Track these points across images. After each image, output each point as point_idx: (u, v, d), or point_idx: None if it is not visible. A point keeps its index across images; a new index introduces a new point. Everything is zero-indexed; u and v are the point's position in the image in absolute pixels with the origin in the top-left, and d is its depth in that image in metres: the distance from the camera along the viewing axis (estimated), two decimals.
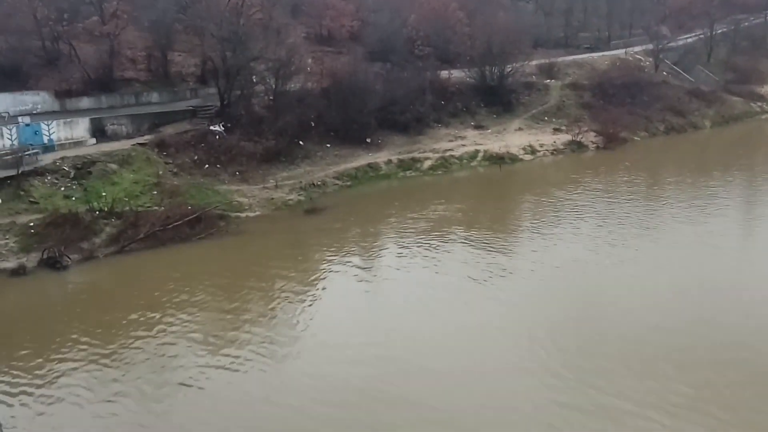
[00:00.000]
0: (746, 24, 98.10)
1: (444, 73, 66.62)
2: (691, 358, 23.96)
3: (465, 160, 56.74)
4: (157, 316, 28.80)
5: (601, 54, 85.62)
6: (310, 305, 30.16)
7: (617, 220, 41.44)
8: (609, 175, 54.21)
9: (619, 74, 76.43)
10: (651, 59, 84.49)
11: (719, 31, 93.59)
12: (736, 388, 21.96)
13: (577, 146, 62.94)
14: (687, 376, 22.65)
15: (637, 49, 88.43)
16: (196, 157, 47.39)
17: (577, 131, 64.75)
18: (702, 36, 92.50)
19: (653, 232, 39.25)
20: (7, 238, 35.67)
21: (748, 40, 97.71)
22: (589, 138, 64.21)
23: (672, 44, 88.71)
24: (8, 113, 47.51)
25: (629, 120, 69.14)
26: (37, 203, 38.54)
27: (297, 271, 34.47)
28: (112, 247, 36.75)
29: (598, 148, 63.29)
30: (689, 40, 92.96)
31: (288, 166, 49.70)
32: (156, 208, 40.45)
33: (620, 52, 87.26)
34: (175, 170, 45.45)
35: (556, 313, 28.15)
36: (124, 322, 28.29)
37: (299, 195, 46.54)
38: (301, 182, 47.93)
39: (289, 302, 30.52)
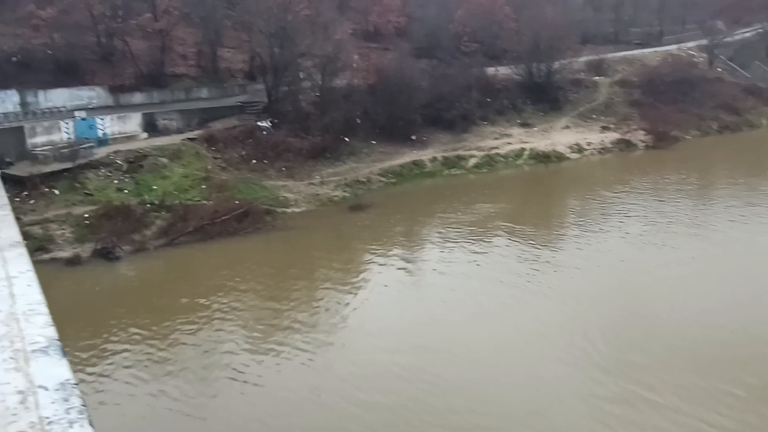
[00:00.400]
0: None
1: (490, 70, 65.93)
2: (743, 357, 23.35)
3: (510, 159, 56.14)
4: (206, 306, 29.56)
5: (652, 50, 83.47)
6: (355, 297, 30.58)
7: (666, 221, 40.52)
8: (658, 175, 52.89)
9: (670, 70, 74.30)
10: (705, 55, 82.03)
11: None
12: None
13: (625, 145, 61.59)
14: (742, 375, 22.07)
15: (690, 44, 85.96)
16: (243, 153, 48.12)
17: (625, 129, 63.37)
18: (760, 30, 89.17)
19: (704, 233, 38.30)
20: (63, 229, 36.94)
21: None
22: (638, 136, 62.75)
23: (727, 39, 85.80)
24: (65, 107, 49.07)
25: (680, 118, 67.23)
26: (91, 195, 39.78)
27: (341, 265, 34.93)
28: (162, 240, 37.68)
29: (647, 147, 61.81)
30: (746, 34, 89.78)
31: (333, 163, 50.03)
32: (204, 202, 41.26)
33: (672, 47, 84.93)
34: (223, 165, 46.25)
35: (604, 313, 27.89)
36: (174, 311, 29.10)
37: (344, 191, 46.84)
38: (346, 179, 48.22)
39: (334, 294, 31.03)
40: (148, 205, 39.84)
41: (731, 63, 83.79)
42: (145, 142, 46.16)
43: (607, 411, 20.98)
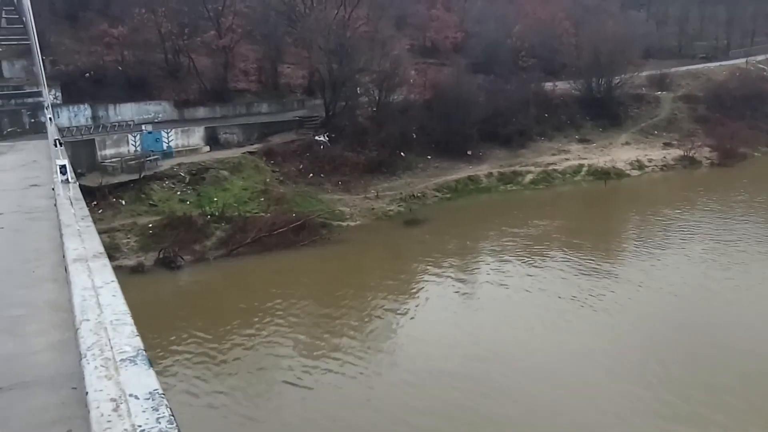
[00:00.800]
0: None
1: (548, 85, 65.32)
2: None
3: (568, 175, 55.31)
4: (264, 316, 30.13)
5: (718, 64, 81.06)
6: (409, 313, 30.56)
7: (733, 242, 38.97)
8: (724, 193, 51.08)
9: (738, 85, 71.97)
10: None
11: None
12: None
13: (689, 162, 59.82)
14: None
15: (760, 58, 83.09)
16: (301, 166, 49.04)
17: (689, 146, 61.52)
18: None
19: None
20: (128, 238, 38.40)
21: None
22: (703, 153, 60.86)
23: None
24: (133, 121, 51.20)
25: (749, 134, 64.86)
26: (155, 206, 41.26)
27: (396, 280, 34.99)
28: (222, 250, 38.67)
29: (712, 164, 59.88)
30: None
31: (389, 177, 50.41)
32: (263, 214, 42.18)
33: (740, 61, 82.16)
34: (281, 178, 47.23)
35: (666, 332, 27.03)
36: (233, 318, 29.80)
37: (399, 206, 47.08)
38: (401, 193, 48.48)
39: (388, 304, 31.22)
40: (208, 217, 41.01)
41: None
42: (207, 155, 47.61)
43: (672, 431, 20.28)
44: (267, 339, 28.01)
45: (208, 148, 49.35)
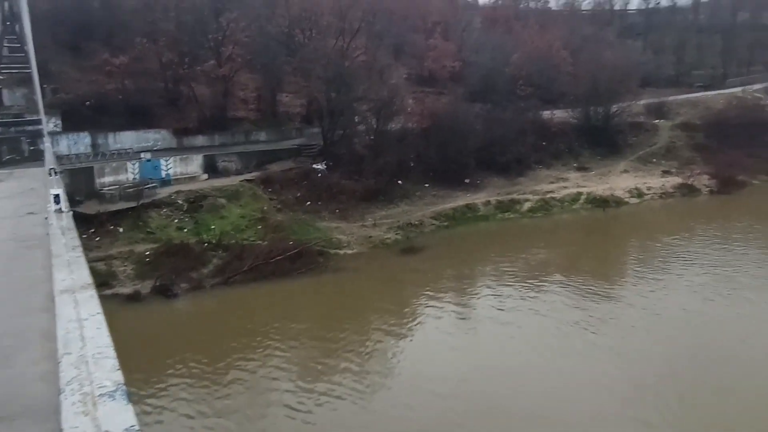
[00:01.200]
0: None
1: (546, 113, 65.71)
2: None
3: (566, 203, 55.28)
4: (262, 342, 30.04)
5: (716, 92, 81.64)
6: (405, 341, 30.45)
7: (732, 270, 38.75)
8: (724, 221, 51.02)
9: (736, 113, 72.37)
10: None
11: None
12: None
13: (688, 190, 59.87)
14: None
15: (756, 86, 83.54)
16: (298, 194, 49.05)
17: (688, 174, 61.74)
18: None
19: None
20: (125, 265, 38.23)
21: None
22: (702, 181, 60.94)
23: None
24: (132, 149, 51.38)
25: (747, 162, 65.01)
26: (153, 233, 41.15)
27: (394, 307, 34.84)
28: (218, 278, 38.45)
29: (711, 192, 59.92)
30: None
31: (386, 205, 50.39)
32: (260, 242, 42.07)
33: (737, 90, 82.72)
34: (278, 206, 47.21)
35: (665, 366, 26.67)
36: (229, 347, 29.56)
37: (396, 234, 46.97)
38: (398, 221, 48.41)
39: (385, 337, 30.93)
40: (206, 244, 40.89)
41: None
42: (205, 183, 47.67)
43: None
44: (265, 364, 27.91)
45: (206, 176, 49.42)
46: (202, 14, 58.55)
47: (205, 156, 50.87)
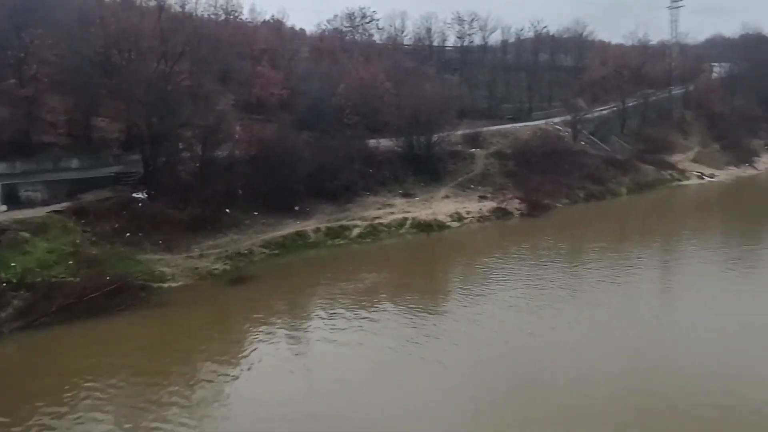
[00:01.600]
0: (654, 98, 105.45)
1: (372, 142, 67.85)
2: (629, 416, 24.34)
3: (393, 228, 57.13)
4: (76, 391, 27.41)
5: (523, 124, 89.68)
6: (241, 376, 29.34)
7: (541, 285, 42.29)
8: (534, 241, 55.72)
9: (540, 143, 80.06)
10: (569, 130, 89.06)
11: (630, 104, 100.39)
12: None
13: (502, 213, 64.68)
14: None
15: (556, 120, 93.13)
16: (117, 225, 45.69)
17: (501, 198, 66.81)
18: (615, 108, 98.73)
19: (578, 296, 40.34)
20: None
21: (656, 112, 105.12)
22: (514, 205, 66.23)
23: (588, 116, 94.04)
24: None
25: (551, 188, 71.87)
26: None
27: (223, 339, 33.77)
28: (20, 322, 34.44)
29: (522, 214, 65.22)
30: (604, 111, 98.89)
31: (214, 235, 48.57)
32: (72, 278, 38.42)
33: (541, 122, 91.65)
34: (93, 239, 43.58)
35: (493, 376, 28.60)
36: (38, 400, 26.45)
37: (225, 264, 45.40)
38: (227, 251, 46.84)
39: (219, 373, 29.54)
40: (4, 284, 36.44)
41: (593, 137, 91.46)
42: (3, 216, 42.75)
43: None
44: (81, 416, 25.35)
45: (5, 208, 44.37)
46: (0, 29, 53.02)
47: (3, 185, 45.69)
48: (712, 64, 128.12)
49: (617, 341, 32.41)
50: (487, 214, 63.77)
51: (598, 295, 40.34)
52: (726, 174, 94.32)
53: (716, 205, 79.85)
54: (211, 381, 28.65)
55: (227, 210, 51.28)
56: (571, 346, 31.84)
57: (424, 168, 68.33)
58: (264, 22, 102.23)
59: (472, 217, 62.50)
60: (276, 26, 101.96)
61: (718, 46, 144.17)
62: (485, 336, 33.47)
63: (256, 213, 52.95)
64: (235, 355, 31.67)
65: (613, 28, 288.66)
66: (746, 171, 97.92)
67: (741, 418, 24.54)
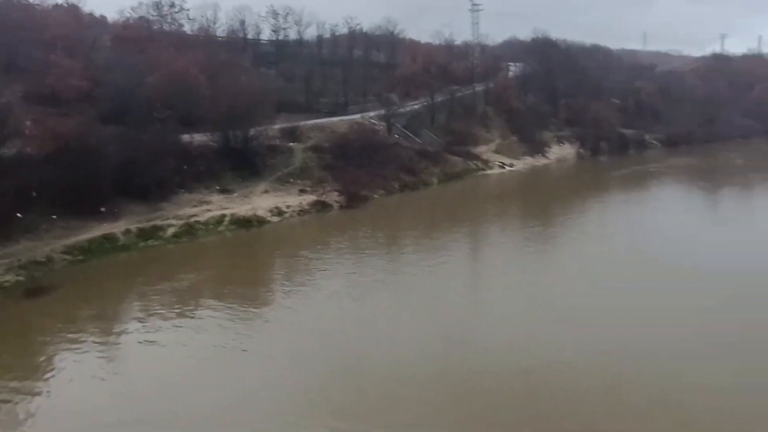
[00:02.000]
0: (459, 94, 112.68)
1: (186, 137, 64.87)
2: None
3: (211, 225, 55.21)
4: None
5: (339, 118, 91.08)
6: (44, 393, 26.87)
7: (359, 275, 43.61)
8: (353, 232, 57.19)
9: (356, 137, 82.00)
10: (384, 123, 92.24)
11: (439, 100, 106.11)
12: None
13: (322, 206, 65.37)
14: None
15: (371, 114, 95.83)
16: None
17: (321, 192, 67.50)
18: (425, 103, 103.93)
19: (395, 282, 42.23)
20: None
21: (462, 107, 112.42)
22: (333, 198, 67.25)
23: (401, 110, 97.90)
24: None
25: (368, 179, 73.99)
26: None
27: (18, 358, 30.44)
28: None
29: (341, 207, 66.46)
30: (415, 106, 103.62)
31: (3, 243, 43.38)
32: None
33: (357, 116, 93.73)
34: None
35: (313, 364, 29.01)
36: None
37: (17, 275, 40.81)
38: (19, 260, 42.13)
39: (18, 393, 26.71)
40: None
41: (405, 130, 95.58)
42: None
43: None
44: None
45: None
46: None
47: None
48: (509, 63, 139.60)
49: (433, 325, 34.32)
50: (307, 207, 64.07)
51: (414, 281, 42.41)
52: (523, 163, 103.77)
53: (515, 192, 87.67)
54: (9, 401, 25.95)
55: (19, 214, 46.01)
56: (390, 331, 33.20)
57: (242, 163, 66.83)
58: (56, 6, 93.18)
59: (293, 211, 62.43)
60: (71, 11, 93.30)
61: (514, 48, 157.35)
62: (309, 326, 33.99)
63: (54, 216, 48.14)
64: (36, 370, 29.00)
65: (422, 28, 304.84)
66: (539, 160, 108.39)
67: (541, 383, 27.19)
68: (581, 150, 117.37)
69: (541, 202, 75.34)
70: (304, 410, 25.24)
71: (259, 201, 61.98)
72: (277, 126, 75.80)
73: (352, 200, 67.58)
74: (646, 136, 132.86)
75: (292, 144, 76.15)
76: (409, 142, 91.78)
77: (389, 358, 29.73)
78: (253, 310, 36.56)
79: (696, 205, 74.71)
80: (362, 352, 30.68)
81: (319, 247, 51.21)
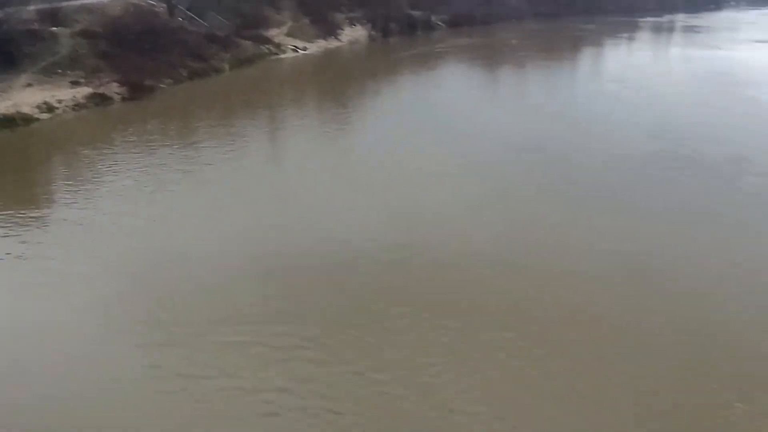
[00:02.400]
0: None
1: None
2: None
3: None
4: None
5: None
6: None
7: (152, 169, 40.69)
8: (139, 126, 52.51)
9: (134, 20, 73.98)
10: (164, 5, 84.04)
11: None
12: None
13: (100, 99, 58.90)
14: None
15: None
16: None
17: (98, 83, 60.57)
18: None
19: (190, 175, 39.96)
20: None
21: None
22: (113, 89, 60.82)
23: None
24: None
25: (152, 68, 67.80)
26: None
27: None
28: None
29: (124, 99, 60.50)
30: None
31: None
32: None
33: None
34: None
35: (118, 274, 26.48)
36: None
37: None
38: None
39: None
40: None
41: (189, 13, 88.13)
42: None
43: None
44: None
45: None
46: None
47: None
48: None
49: (234, 217, 33.08)
50: (83, 101, 57.33)
51: (209, 173, 40.48)
52: (316, 46, 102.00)
53: (310, 76, 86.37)
54: None
55: None
56: (191, 226, 31.72)
57: None
58: None
59: (66, 106, 55.51)
60: None
61: None
62: (103, 237, 30.72)
63: None
64: None
65: None
66: (332, 43, 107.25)
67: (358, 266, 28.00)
68: (372, 32, 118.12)
69: (336, 86, 75.21)
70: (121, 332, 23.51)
71: (22, 96, 53.93)
72: (32, 7, 65.47)
73: (136, 91, 61.71)
74: (432, 18, 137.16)
75: (55, 29, 66.48)
76: (195, 26, 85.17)
77: (199, 253, 28.44)
78: (35, 227, 32.10)
79: (476, 83, 79.75)
80: (170, 251, 28.83)
81: (102, 144, 46.53)
